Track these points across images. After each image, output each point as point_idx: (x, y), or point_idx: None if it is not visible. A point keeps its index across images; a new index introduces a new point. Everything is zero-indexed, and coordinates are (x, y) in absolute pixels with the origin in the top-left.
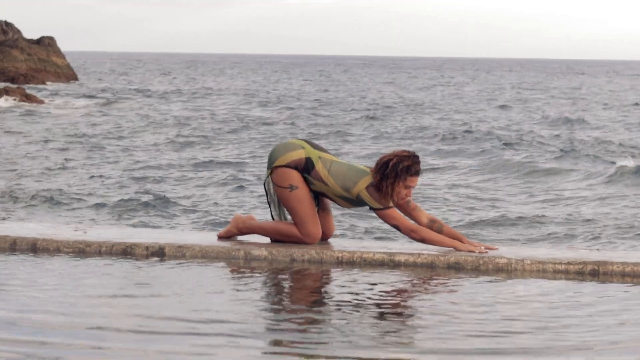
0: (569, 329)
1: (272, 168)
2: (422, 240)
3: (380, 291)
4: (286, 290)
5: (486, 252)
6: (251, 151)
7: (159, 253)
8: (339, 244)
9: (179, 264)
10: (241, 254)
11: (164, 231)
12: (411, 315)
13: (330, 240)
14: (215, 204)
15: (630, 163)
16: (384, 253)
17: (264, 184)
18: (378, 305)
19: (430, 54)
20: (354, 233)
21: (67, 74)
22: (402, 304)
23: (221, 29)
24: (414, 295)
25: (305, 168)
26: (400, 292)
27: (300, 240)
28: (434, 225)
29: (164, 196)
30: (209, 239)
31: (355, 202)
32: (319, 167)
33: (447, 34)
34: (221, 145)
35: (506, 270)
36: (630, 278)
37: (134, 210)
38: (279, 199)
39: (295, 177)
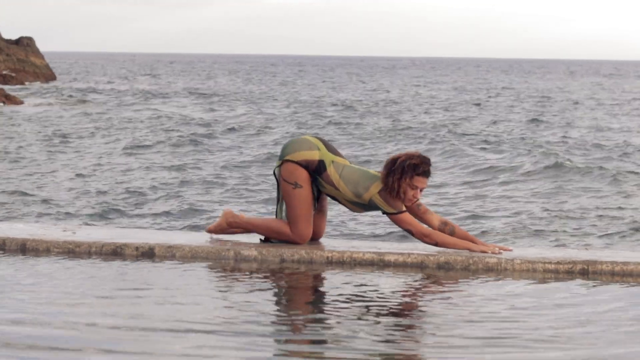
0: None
1: (283, 160)
2: (436, 244)
3: (374, 291)
4: (278, 290)
5: (499, 253)
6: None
7: (148, 253)
8: (329, 244)
9: (169, 264)
10: (231, 254)
11: (153, 231)
12: (414, 315)
13: (320, 239)
14: (200, 204)
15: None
16: (374, 253)
17: (274, 172)
18: (373, 306)
19: (409, 53)
20: (343, 232)
21: (46, 74)
22: (407, 304)
23: (201, 29)
24: (417, 296)
25: (317, 169)
26: (403, 292)
27: (290, 238)
28: (446, 227)
29: (145, 197)
30: (198, 239)
31: (366, 206)
32: (330, 171)
33: (419, 33)
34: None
35: (496, 270)
36: (620, 277)
37: (117, 211)
38: (279, 192)
39: (303, 176)
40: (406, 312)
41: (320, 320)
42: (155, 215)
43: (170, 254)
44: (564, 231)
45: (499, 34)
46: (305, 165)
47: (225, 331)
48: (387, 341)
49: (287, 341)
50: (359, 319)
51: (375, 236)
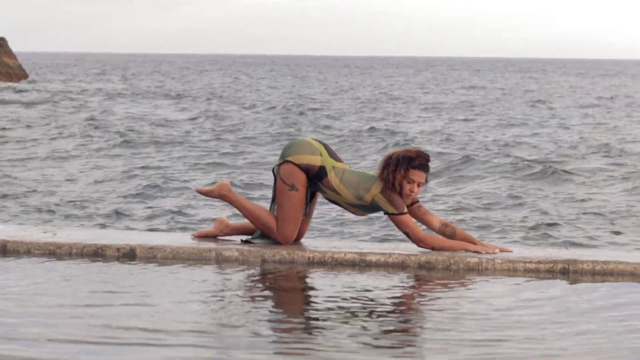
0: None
1: (284, 160)
2: (432, 248)
3: (361, 292)
4: (263, 293)
5: (495, 253)
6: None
7: (130, 255)
8: (310, 244)
9: (151, 265)
10: (212, 255)
11: (135, 232)
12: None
13: (301, 240)
14: (182, 205)
15: None
16: (355, 253)
17: (273, 170)
18: (361, 309)
19: (385, 53)
20: (324, 232)
21: (19, 74)
22: (395, 306)
23: (177, 29)
24: (406, 296)
25: (318, 175)
26: (396, 293)
27: (274, 235)
28: (446, 229)
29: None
30: (180, 239)
31: (369, 208)
32: (331, 176)
33: (400, 33)
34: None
35: (477, 270)
36: (601, 276)
37: (97, 212)
38: (274, 191)
39: (301, 180)
40: (395, 314)
41: (306, 325)
42: (138, 216)
43: (151, 255)
44: (545, 233)
45: (495, 34)
46: (306, 169)
47: (204, 338)
48: (377, 347)
49: (272, 347)
50: (346, 322)
51: (354, 236)
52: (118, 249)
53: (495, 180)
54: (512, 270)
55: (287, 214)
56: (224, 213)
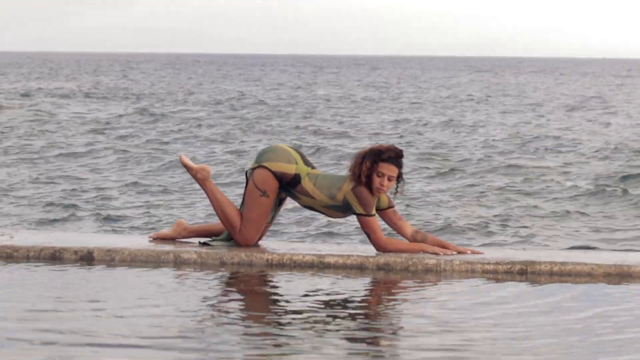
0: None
1: (259, 164)
2: (390, 251)
3: (319, 296)
4: (221, 296)
5: (452, 254)
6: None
7: (87, 257)
8: (269, 246)
9: (108, 268)
10: (171, 257)
11: (93, 235)
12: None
13: (260, 242)
14: (143, 207)
15: None
16: (314, 255)
17: (246, 173)
18: (325, 311)
19: (339, 52)
20: (283, 234)
21: None
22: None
23: (126, 27)
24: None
25: (291, 182)
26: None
27: (235, 234)
28: (417, 236)
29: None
30: (138, 242)
31: (342, 208)
32: (305, 182)
33: (341, 31)
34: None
35: (435, 271)
36: (558, 277)
37: (56, 215)
38: (245, 193)
39: (273, 186)
40: (354, 318)
41: (264, 330)
42: (96, 218)
43: (109, 257)
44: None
45: (432, 32)
46: (280, 176)
47: (158, 345)
48: (338, 351)
49: (228, 352)
50: (306, 326)
51: (311, 236)
52: (76, 252)
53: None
54: (470, 271)
55: (252, 217)
56: (182, 215)
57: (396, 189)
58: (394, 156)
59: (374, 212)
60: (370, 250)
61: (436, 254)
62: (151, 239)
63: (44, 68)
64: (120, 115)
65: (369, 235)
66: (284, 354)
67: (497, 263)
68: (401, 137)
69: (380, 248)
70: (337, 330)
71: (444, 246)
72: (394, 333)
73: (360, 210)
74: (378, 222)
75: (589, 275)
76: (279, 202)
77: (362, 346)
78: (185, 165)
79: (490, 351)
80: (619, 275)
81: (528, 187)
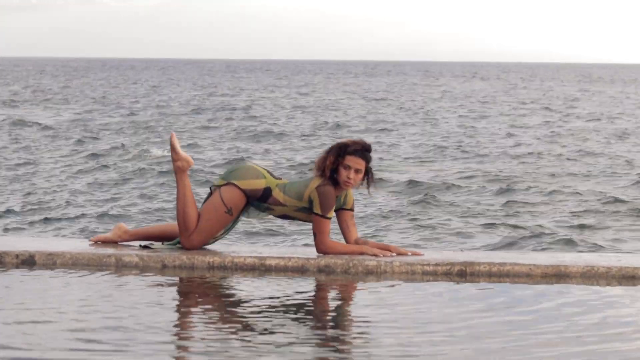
0: None
1: (229, 182)
2: (331, 254)
3: (260, 300)
4: (161, 300)
5: (391, 256)
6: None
7: (29, 261)
8: (210, 249)
9: (48, 272)
10: (112, 260)
11: (35, 239)
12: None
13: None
14: (84, 210)
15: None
16: (255, 257)
17: (211, 187)
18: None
19: (263, 56)
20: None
21: None
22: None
23: (40, 32)
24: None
25: (263, 197)
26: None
27: (183, 235)
28: (359, 240)
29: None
30: (80, 245)
31: (309, 209)
32: (275, 193)
33: (272, 35)
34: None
35: (376, 273)
36: (497, 278)
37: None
38: (207, 200)
39: (239, 205)
40: (297, 322)
41: (204, 334)
42: (37, 222)
43: (51, 261)
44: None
45: (331, 37)
46: (249, 194)
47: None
48: (279, 355)
49: (166, 355)
50: (247, 330)
51: (251, 234)
52: (17, 256)
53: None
54: (410, 273)
55: (208, 228)
56: (121, 220)
57: (367, 184)
58: (360, 149)
59: (330, 215)
60: (311, 252)
61: (376, 255)
62: (92, 242)
63: None
64: None
65: (315, 235)
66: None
67: (436, 264)
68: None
69: (322, 250)
70: (275, 333)
71: (385, 248)
72: (334, 337)
73: (317, 209)
74: (330, 226)
75: (527, 276)
76: (237, 219)
77: (301, 352)
78: (172, 147)
79: (428, 354)
80: (556, 276)
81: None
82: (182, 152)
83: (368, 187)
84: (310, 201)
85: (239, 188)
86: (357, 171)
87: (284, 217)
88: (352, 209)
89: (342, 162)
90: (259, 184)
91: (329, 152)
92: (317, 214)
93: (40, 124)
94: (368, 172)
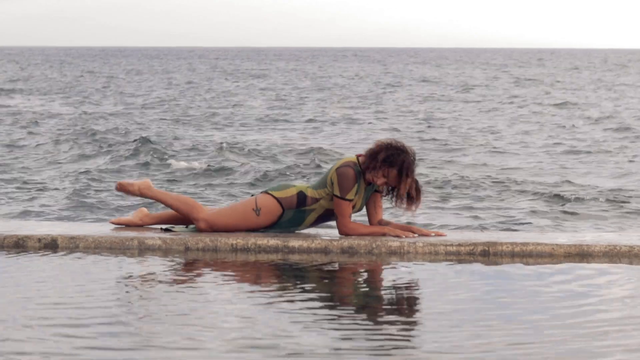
0: None
1: (267, 191)
2: (351, 235)
3: (284, 280)
4: (184, 283)
5: (414, 237)
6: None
7: (51, 245)
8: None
9: (73, 256)
10: (135, 243)
11: (57, 222)
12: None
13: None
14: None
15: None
16: (278, 239)
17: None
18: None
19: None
20: None
21: None
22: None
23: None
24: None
25: (300, 202)
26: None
27: (191, 214)
28: (382, 221)
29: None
30: (102, 229)
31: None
32: (309, 193)
33: (251, 23)
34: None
35: (399, 254)
36: (520, 257)
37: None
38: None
39: (271, 212)
40: (318, 301)
41: (226, 317)
42: (59, 207)
43: (73, 244)
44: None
45: (310, 23)
46: (284, 203)
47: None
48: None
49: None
50: (273, 313)
51: None
52: (39, 240)
53: None
54: (433, 253)
55: (230, 217)
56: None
57: (395, 200)
58: (413, 169)
59: (349, 197)
60: (333, 234)
61: (398, 236)
62: (113, 223)
63: None
64: None
65: (336, 218)
66: (241, 338)
67: (459, 245)
68: None
69: (344, 232)
70: (300, 313)
71: (407, 229)
72: (359, 317)
73: (336, 191)
74: (350, 208)
75: (550, 256)
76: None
77: (326, 329)
78: (126, 190)
79: (449, 336)
80: (579, 255)
81: None
82: (135, 183)
83: (409, 205)
84: (332, 185)
85: (274, 196)
86: (386, 183)
87: (325, 216)
88: (380, 191)
89: (388, 170)
90: (291, 191)
91: (391, 164)
92: (335, 196)
93: (54, 113)
94: (398, 190)
